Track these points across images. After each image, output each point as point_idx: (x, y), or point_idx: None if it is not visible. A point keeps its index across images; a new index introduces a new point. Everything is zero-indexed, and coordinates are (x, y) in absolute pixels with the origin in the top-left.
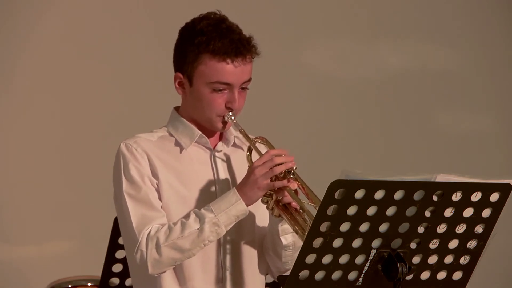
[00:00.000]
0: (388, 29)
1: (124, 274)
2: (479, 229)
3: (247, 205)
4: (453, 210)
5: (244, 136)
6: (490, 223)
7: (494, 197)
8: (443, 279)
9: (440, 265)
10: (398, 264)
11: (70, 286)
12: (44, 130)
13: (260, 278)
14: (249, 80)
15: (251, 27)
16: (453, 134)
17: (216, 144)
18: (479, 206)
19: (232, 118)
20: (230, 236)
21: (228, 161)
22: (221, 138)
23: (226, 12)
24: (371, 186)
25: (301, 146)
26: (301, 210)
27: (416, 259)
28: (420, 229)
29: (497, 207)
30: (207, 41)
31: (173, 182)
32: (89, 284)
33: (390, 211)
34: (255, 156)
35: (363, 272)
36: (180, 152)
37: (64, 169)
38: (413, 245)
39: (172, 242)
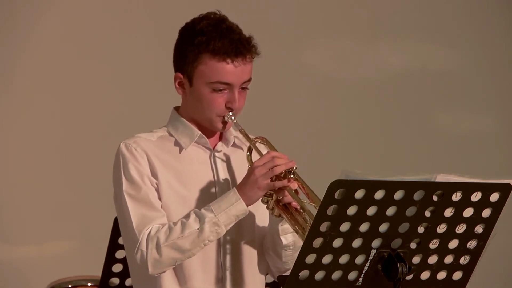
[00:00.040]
0: (388, 29)
1: (124, 274)
2: (479, 229)
3: (247, 205)
4: (453, 210)
5: (244, 136)
6: (490, 223)
7: (494, 197)
8: (443, 279)
9: (440, 265)
10: (398, 264)
11: (70, 286)
12: (44, 130)
13: (260, 278)
14: (249, 80)
15: (251, 27)
16: (453, 134)
17: (216, 144)
18: (479, 206)
19: (232, 118)
20: (230, 236)
21: (227, 161)
22: (221, 138)
23: (226, 12)
24: (371, 186)
25: (301, 146)
26: (301, 210)
27: (416, 259)
28: (420, 229)
29: (497, 207)
30: (207, 41)
31: (172, 182)
32: (89, 284)
33: (390, 211)
34: (255, 156)
35: (363, 272)
36: (180, 152)
37: (64, 169)
38: (413, 245)
39: (172, 242)
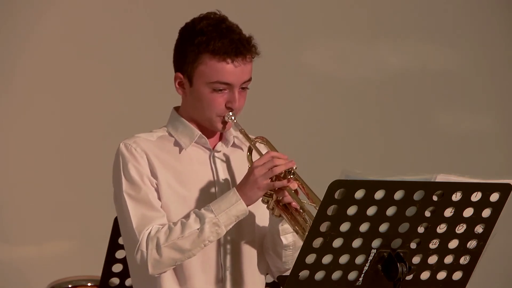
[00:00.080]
0: (388, 29)
1: (124, 274)
2: (479, 229)
3: (247, 205)
4: (453, 210)
5: (244, 136)
6: (490, 223)
7: (494, 197)
8: (443, 279)
9: (440, 265)
10: (398, 264)
11: (70, 286)
12: (44, 130)
13: (260, 278)
14: (249, 80)
15: (251, 27)
16: (453, 134)
17: (215, 145)
18: (479, 206)
19: (232, 118)
20: (230, 236)
21: (227, 161)
22: (221, 138)
23: (226, 12)
24: (371, 186)
25: (301, 146)
26: (301, 210)
27: (416, 259)
28: (420, 229)
29: (497, 207)
30: (207, 41)
31: (172, 182)
32: (89, 284)
33: (390, 211)
34: (255, 156)
35: (363, 272)
36: (180, 152)
37: (64, 169)
38: (413, 245)
39: (172, 243)
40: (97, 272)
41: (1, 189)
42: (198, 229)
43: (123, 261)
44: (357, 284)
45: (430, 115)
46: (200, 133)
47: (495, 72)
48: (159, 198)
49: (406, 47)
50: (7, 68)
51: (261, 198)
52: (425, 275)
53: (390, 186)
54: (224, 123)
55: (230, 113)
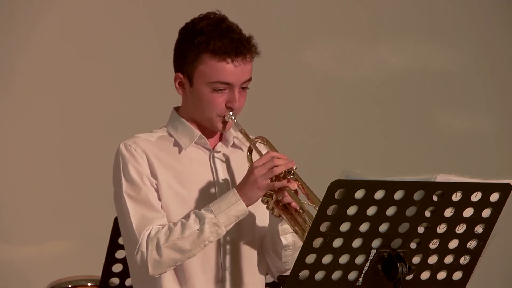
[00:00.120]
0: (388, 29)
1: (124, 274)
2: (479, 229)
3: (247, 205)
4: (453, 210)
5: (245, 136)
6: (490, 223)
7: (494, 197)
8: (443, 279)
9: (440, 265)
10: (398, 264)
11: (70, 286)
12: (44, 130)
13: (260, 278)
14: (249, 79)
15: (251, 27)
16: (453, 134)
17: (215, 145)
18: (479, 206)
19: (233, 117)
20: (230, 236)
21: (227, 161)
22: (221, 138)
23: (226, 12)
24: (371, 186)
25: (301, 146)
26: (301, 210)
27: (416, 259)
28: (420, 229)
29: (497, 207)
30: (207, 41)
31: (172, 183)
32: (89, 284)
33: (390, 211)
34: (255, 156)
35: (363, 272)
36: (179, 153)
37: (64, 169)
38: (413, 245)
39: (172, 243)
40: (97, 272)
41: (1, 189)
42: (198, 229)
43: (123, 261)
44: (357, 284)
45: (430, 115)
46: (200, 133)
47: (495, 72)
48: (159, 199)
49: (406, 47)
50: (7, 68)
51: (261, 198)
52: (425, 275)
53: (390, 186)
54: (224, 123)
55: (230, 113)
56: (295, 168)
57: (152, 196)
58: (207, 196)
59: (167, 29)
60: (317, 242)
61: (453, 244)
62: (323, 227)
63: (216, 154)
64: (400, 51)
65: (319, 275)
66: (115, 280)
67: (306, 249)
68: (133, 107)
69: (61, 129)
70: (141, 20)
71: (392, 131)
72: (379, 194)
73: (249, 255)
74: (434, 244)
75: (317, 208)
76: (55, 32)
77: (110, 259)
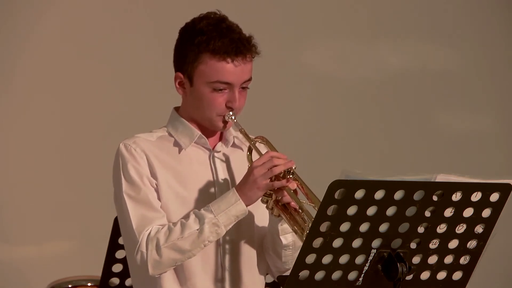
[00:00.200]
0: (388, 29)
1: (124, 274)
2: (479, 229)
3: (247, 205)
4: (453, 210)
5: (244, 135)
6: (490, 223)
7: (494, 197)
8: (443, 279)
9: (440, 265)
10: (398, 264)
11: (70, 286)
12: (44, 130)
13: (259, 278)
14: (250, 79)
15: (251, 27)
16: (453, 134)
17: (215, 145)
18: (479, 206)
19: (233, 117)
20: (230, 236)
21: (227, 161)
22: (221, 138)
23: (226, 12)
24: (371, 186)
25: (301, 146)
26: (300, 210)
27: (416, 259)
28: (420, 229)
29: (497, 207)
30: (207, 41)
31: (172, 183)
32: (89, 284)
33: (390, 211)
34: (255, 156)
35: (363, 272)
36: (179, 152)
37: (64, 169)
38: (413, 245)
39: (172, 243)
40: (97, 272)
41: (1, 189)
42: (197, 229)
43: (123, 261)
44: (357, 284)
45: (430, 115)
46: (200, 133)
47: (495, 72)
48: (159, 199)
49: (406, 47)
50: (7, 68)
51: (260, 198)
52: (425, 275)
53: (390, 186)
54: (225, 122)
55: (231, 113)
56: (295, 168)
57: (152, 196)
58: (207, 196)
59: (167, 29)
60: (317, 242)
61: (453, 244)
62: (323, 227)
63: (216, 154)
64: (400, 51)
65: (319, 275)
66: (115, 280)
67: (306, 249)
68: (133, 107)
69: (61, 129)
70: (141, 20)
71: (392, 131)
72: (379, 194)
73: (248, 255)
74: (434, 244)
75: (317, 208)
76: (55, 32)
77: (110, 259)
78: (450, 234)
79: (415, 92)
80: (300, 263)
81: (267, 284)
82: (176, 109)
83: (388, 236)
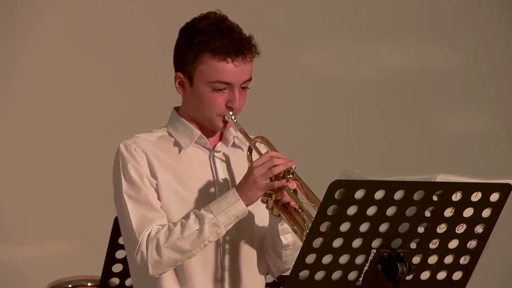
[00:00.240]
0: (388, 29)
1: (124, 274)
2: (479, 229)
3: (247, 205)
4: (453, 210)
5: (244, 135)
6: (490, 223)
7: (494, 197)
8: (443, 279)
9: (440, 265)
10: (398, 264)
11: (70, 286)
12: (44, 130)
13: (259, 278)
14: (250, 79)
15: (251, 27)
16: (453, 134)
17: (215, 145)
18: (479, 206)
19: (233, 117)
20: (230, 236)
21: (227, 161)
22: (221, 138)
23: (226, 12)
24: (371, 186)
25: (301, 146)
26: (300, 210)
27: (416, 259)
28: (420, 229)
29: (497, 207)
30: (207, 41)
31: (172, 182)
32: (89, 284)
33: (390, 211)
34: (255, 156)
35: (363, 272)
36: (179, 152)
37: (64, 169)
38: (413, 245)
39: (172, 243)
40: (97, 272)
41: (1, 189)
42: (197, 229)
43: (123, 261)
44: (357, 284)
45: (430, 115)
46: (200, 133)
47: (495, 72)
48: (159, 199)
49: (406, 47)
50: (7, 68)
51: (260, 198)
52: (425, 275)
53: (390, 186)
54: (225, 122)
55: (231, 113)
56: (295, 168)
57: (152, 196)
58: (207, 196)
59: (167, 29)
60: (317, 242)
61: (453, 244)
62: (323, 227)
63: (216, 154)
64: (400, 51)
65: (319, 275)
66: (115, 280)
67: (306, 249)
68: (133, 107)
69: (61, 129)
70: (141, 20)
71: (392, 131)
72: (379, 194)
73: (248, 255)
74: (434, 244)
75: (317, 208)
76: (55, 32)
77: (110, 259)
78: (450, 234)
79: (415, 92)
80: (300, 263)
81: (267, 284)
82: (176, 109)
83: (388, 236)
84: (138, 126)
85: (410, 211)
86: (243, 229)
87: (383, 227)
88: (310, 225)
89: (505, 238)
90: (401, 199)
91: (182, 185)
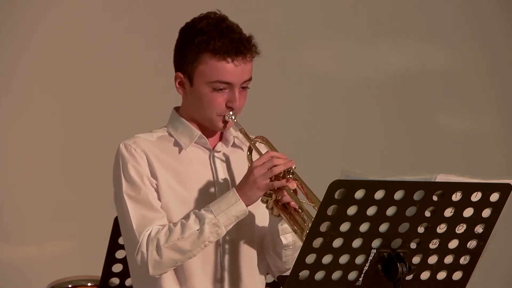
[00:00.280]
0: (388, 29)
1: (124, 274)
2: (479, 229)
3: (247, 205)
4: (453, 210)
5: (245, 135)
6: (490, 223)
7: (494, 197)
8: (443, 279)
9: (440, 265)
10: (398, 264)
11: (70, 286)
12: (44, 130)
13: (259, 278)
14: (250, 79)
15: (251, 27)
16: (453, 134)
17: (215, 145)
18: (479, 206)
19: (233, 117)
20: (230, 236)
21: (227, 161)
22: (221, 138)
23: (226, 12)
24: (371, 186)
25: (301, 146)
26: (300, 210)
27: (416, 259)
28: (420, 229)
29: (497, 207)
30: (207, 41)
31: (172, 183)
32: (89, 284)
33: (390, 211)
34: (255, 156)
35: (363, 272)
36: (179, 153)
37: (64, 169)
38: (413, 245)
39: (172, 244)
40: (97, 272)
41: (1, 189)
42: (198, 230)
43: (123, 261)
44: (357, 284)
45: (430, 115)
46: (200, 133)
47: (495, 72)
48: (159, 199)
49: (406, 47)
50: (7, 68)
51: (260, 198)
52: (425, 275)
53: (390, 186)
54: (225, 122)
55: (231, 113)
56: (295, 168)
57: (152, 196)
58: (207, 196)
59: (167, 29)
60: (317, 242)
61: (453, 244)
62: (323, 227)
63: (216, 154)
64: (400, 51)
65: (319, 275)
66: (115, 280)
67: (306, 249)
68: (133, 107)
69: (61, 129)
70: (141, 20)
71: (392, 131)
72: (379, 194)
73: (248, 255)
74: (434, 244)
75: (317, 208)
76: (55, 32)
77: (110, 259)
78: (450, 234)
79: (415, 92)
80: (300, 263)
81: (267, 284)
82: (176, 109)
83: (388, 236)
84: (138, 126)
85: (410, 211)
86: (243, 229)
87: (383, 227)
88: (310, 225)
89: (505, 238)
90: (401, 199)
91: (182, 185)
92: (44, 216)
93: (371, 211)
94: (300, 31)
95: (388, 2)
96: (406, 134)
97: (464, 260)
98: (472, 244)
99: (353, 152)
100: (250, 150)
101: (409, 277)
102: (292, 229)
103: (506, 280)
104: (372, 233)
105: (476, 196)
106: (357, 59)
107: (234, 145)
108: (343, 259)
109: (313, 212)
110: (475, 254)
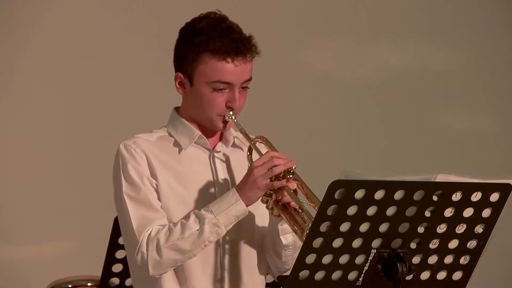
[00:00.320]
0: (388, 29)
1: (124, 274)
2: (479, 229)
3: (247, 205)
4: (453, 210)
5: (245, 135)
6: (490, 223)
7: (494, 197)
8: (443, 279)
9: (440, 265)
10: (398, 264)
11: (70, 286)
12: (44, 130)
13: (259, 278)
14: (250, 79)
15: (251, 27)
16: (453, 134)
17: (215, 145)
18: (479, 206)
19: (233, 117)
20: (230, 236)
21: (227, 161)
22: (221, 138)
23: (226, 12)
24: (371, 186)
25: (301, 146)
26: (300, 210)
27: (416, 259)
28: (420, 229)
29: (497, 207)
30: (207, 41)
31: (172, 183)
32: (89, 284)
33: (390, 211)
34: (255, 156)
35: (363, 272)
36: (179, 153)
37: (64, 169)
38: (413, 245)
39: (172, 244)
40: (97, 272)
41: (1, 189)
42: (198, 230)
43: (123, 261)
44: (357, 284)
45: (430, 115)
46: (200, 133)
47: (495, 72)
48: (159, 199)
49: (406, 47)
50: (7, 68)
51: (260, 198)
52: (425, 275)
53: (390, 186)
54: (225, 122)
55: (231, 113)
56: (295, 168)
57: (152, 196)
58: (207, 196)
59: (167, 29)
60: (317, 242)
61: (453, 244)
62: (323, 227)
63: (216, 154)
64: (400, 51)
65: (319, 275)
66: (115, 280)
67: (306, 249)
68: (133, 107)
69: (61, 129)
70: (141, 20)
71: (392, 131)
72: (379, 194)
73: (248, 255)
74: (434, 244)
75: (317, 208)
76: (55, 32)
77: (110, 259)
78: (450, 234)
79: (415, 92)
80: (300, 263)
81: (267, 284)
82: (176, 109)
83: (388, 236)
84: (138, 126)
85: (410, 211)
86: (243, 229)
87: (383, 227)
88: (310, 225)
89: (505, 238)
90: (401, 199)
91: (182, 185)
92: (44, 216)
93: (371, 211)
94: (300, 31)
95: (388, 2)
96: (406, 134)
97: (464, 260)
98: (472, 244)
99: (353, 152)
100: (250, 150)
101: (409, 277)
102: (292, 229)
103: (506, 280)
104: (372, 233)
105: (476, 196)
106: (357, 59)
107: (234, 145)
108: (343, 259)
109: (313, 212)
110: (475, 254)
